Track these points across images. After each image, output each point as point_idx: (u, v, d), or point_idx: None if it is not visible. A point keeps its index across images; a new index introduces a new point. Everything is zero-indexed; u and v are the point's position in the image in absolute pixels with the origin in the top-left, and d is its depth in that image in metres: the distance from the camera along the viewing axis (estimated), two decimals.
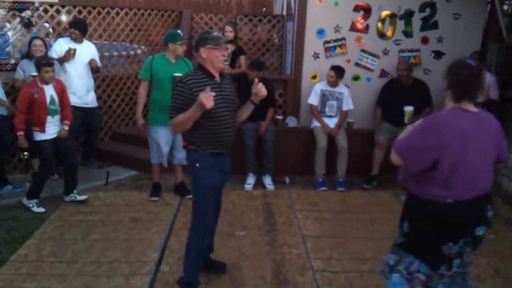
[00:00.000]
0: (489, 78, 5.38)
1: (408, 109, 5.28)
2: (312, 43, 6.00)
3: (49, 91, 4.63)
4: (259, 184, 5.58)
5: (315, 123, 5.71)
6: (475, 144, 2.29)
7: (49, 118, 4.64)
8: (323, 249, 4.08)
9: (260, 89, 3.13)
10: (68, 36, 5.59)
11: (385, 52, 6.04)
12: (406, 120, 5.32)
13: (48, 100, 4.61)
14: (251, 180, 5.57)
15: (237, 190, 5.42)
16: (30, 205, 4.69)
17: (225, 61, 6.22)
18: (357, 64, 6.08)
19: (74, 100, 5.22)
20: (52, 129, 4.67)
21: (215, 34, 3.08)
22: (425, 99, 5.62)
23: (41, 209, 4.68)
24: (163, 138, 4.79)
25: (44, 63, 4.55)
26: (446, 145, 2.25)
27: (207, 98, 2.81)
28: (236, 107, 3.26)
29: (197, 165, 3.09)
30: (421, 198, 2.40)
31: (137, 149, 6.18)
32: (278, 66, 7.56)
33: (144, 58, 7.27)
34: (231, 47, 6.12)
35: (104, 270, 3.63)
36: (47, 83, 4.60)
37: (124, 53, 7.07)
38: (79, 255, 3.85)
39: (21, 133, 4.58)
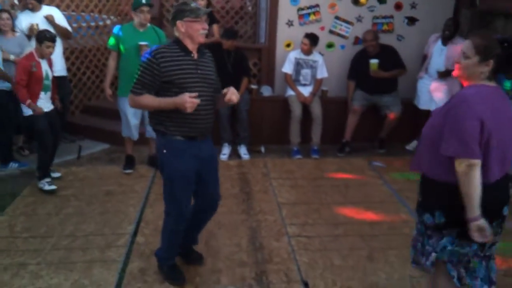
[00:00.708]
0: (460, 46, 5.39)
1: (373, 61, 5.42)
2: (285, 11, 5.92)
3: (45, 66, 4.48)
4: (234, 154, 5.57)
5: (290, 92, 5.69)
6: (502, 120, 2.23)
7: (42, 94, 4.47)
8: (298, 215, 4.13)
9: (231, 98, 2.83)
10: (25, 8, 5.36)
11: (359, 19, 6.00)
12: (371, 72, 5.42)
13: (44, 74, 4.46)
14: (226, 150, 5.56)
15: None
16: (42, 185, 4.52)
17: None
18: (331, 32, 6.03)
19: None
20: (42, 104, 4.50)
21: (193, 5, 2.80)
22: (395, 63, 5.64)
23: (52, 187, 4.51)
24: (130, 109, 4.70)
25: (48, 37, 4.37)
26: (484, 122, 2.16)
27: (191, 104, 2.68)
28: (216, 87, 3.00)
29: (164, 151, 2.90)
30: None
31: (109, 122, 6.07)
32: (252, 34, 7.44)
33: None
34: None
35: (79, 244, 3.61)
36: (43, 57, 4.44)
37: (93, 24, 6.86)
38: (53, 230, 3.80)
39: (29, 101, 4.38)
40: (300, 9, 5.93)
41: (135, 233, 3.79)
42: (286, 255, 3.48)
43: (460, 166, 2.17)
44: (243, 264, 3.37)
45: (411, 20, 6.07)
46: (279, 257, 3.45)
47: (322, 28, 5.98)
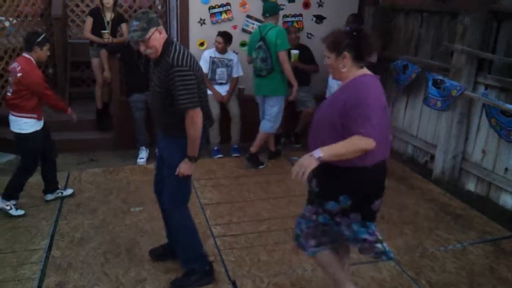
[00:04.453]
0: None
1: (294, 52, 5.62)
2: (197, 9, 5.85)
3: None
4: (152, 157, 5.40)
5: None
6: (385, 106, 2.42)
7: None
8: (222, 215, 4.11)
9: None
10: None
11: None
12: (292, 62, 5.64)
13: None
14: (143, 154, 5.39)
15: (130, 165, 5.22)
16: (8, 208, 3.99)
17: (105, 29, 5.89)
18: (244, 30, 6.06)
19: None
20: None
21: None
22: (309, 60, 5.96)
23: (20, 212, 4.04)
24: None
25: (48, 38, 3.93)
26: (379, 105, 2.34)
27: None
28: (157, 94, 2.90)
29: None
30: (362, 166, 2.39)
31: None
32: None
33: (13, 31, 6.59)
34: (110, 15, 5.77)
35: None
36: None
37: None
38: None
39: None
40: (211, 7, 5.89)
41: (49, 248, 3.55)
42: (212, 257, 3.43)
43: (366, 142, 2.25)
44: (169, 271, 3.28)
45: (319, 18, 6.27)
46: None
47: (235, 27, 6.00)
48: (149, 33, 2.75)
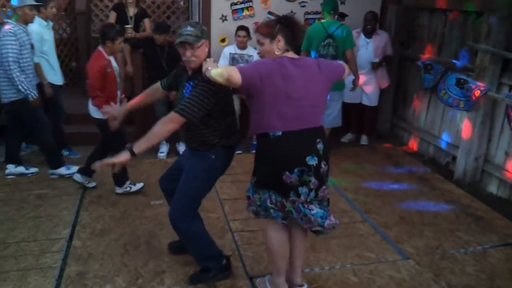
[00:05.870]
0: (384, 36, 5.70)
1: None
2: (219, 5, 5.88)
3: (114, 63, 4.12)
4: (173, 152, 5.47)
5: None
6: (296, 83, 2.57)
7: (118, 93, 4.16)
8: (240, 210, 4.11)
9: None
10: None
11: (291, 15, 6.08)
12: None
13: (116, 73, 4.12)
14: (164, 148, 5.44)
15: (151, 159, 5.27)
16: (128, 189, 4.40)
17: (128, 24, 5.95)
18: None
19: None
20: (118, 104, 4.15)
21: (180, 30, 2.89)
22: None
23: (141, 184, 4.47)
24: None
25: (120, 32, 4.06)
26: (267, 78, 2.52)
27: None
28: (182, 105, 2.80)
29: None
30: (259, 135, 2.66)
31: None
32: None
33: None
34: (133, 10, 5.83)
35: (11, 251, 3.40)
36: (111, 54, 4.10)
37: None
38: None
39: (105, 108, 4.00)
40: (233, 4, 5.90)
41: (70, 238, 3.62)
42: (230, 252, 3.46)
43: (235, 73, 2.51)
44: (187, 263, 3.31)
45: (341, 16, 6.21)
46: None
47: (256, 23, 5.96)
48: (201, 42, 2.82)
